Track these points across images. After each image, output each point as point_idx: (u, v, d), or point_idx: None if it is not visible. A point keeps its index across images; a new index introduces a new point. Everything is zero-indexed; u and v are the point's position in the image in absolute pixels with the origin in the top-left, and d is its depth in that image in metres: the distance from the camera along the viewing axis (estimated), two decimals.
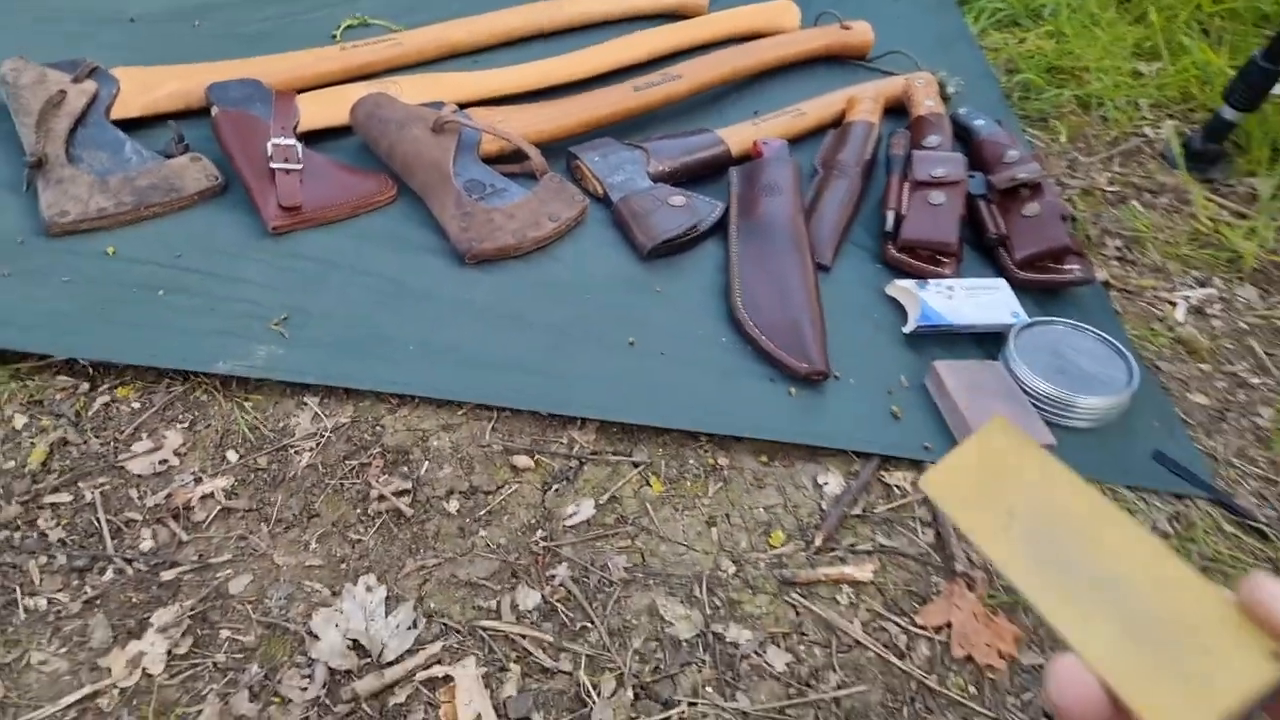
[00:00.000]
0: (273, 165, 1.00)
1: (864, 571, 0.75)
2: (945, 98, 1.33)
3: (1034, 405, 0.91)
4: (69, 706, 0.61)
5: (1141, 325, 1.06)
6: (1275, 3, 1.53)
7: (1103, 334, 0.98)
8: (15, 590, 0.65)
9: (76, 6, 1.23)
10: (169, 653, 0.63)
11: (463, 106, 1.15)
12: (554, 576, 0.72)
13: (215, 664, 0.64)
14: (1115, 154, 1.32)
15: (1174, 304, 1.10)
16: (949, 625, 0.72)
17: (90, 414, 0.78)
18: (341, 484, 0.76)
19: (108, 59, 1.09)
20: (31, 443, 0.75)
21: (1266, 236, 1.20)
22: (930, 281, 1.01)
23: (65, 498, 0.72)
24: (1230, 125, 1.30)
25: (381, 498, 0.75)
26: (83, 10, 1.22)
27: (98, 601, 0.66)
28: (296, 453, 0.78)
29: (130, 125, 1.05)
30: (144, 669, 0.63)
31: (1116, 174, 1.29)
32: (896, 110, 1.32)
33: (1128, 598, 0.31)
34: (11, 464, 0.73)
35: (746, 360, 0.94)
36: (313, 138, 1.09)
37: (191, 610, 0.66)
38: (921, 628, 0.72)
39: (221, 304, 0.88)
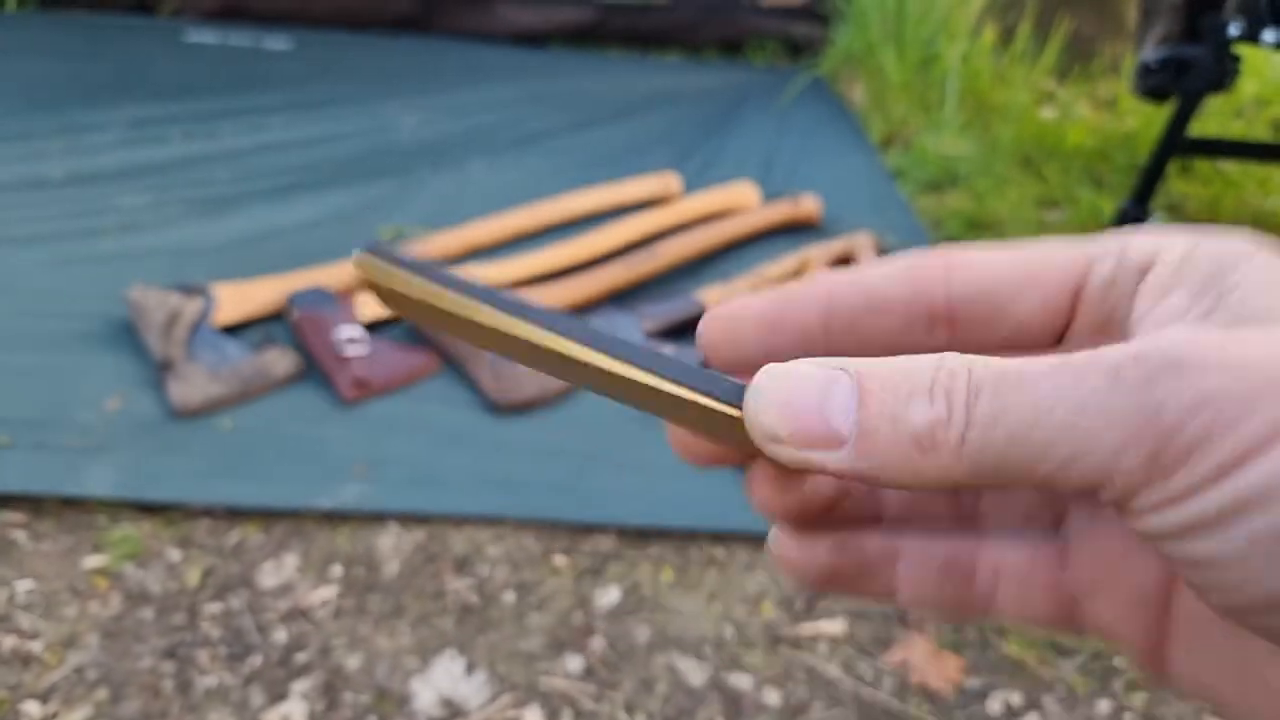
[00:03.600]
0: (345, 351, 1.34)
1: (837, 626, 1.01)
2: (883, 252, 1.71)
3: None
4: None
5: None
6: (1144, 159, 1.95)
7: None
8: (192, 673, 0.91)
9: (170, 243, 1.62)
10: (309, 712, 0.89)
11: None
12: (591, 644, 0.98)
13: (343, 718, 0.89)
14: None
15: None
16: (907, 661, 0.97)
17: (228, 547, 1.06)
18: (422, 586, 1.04)
19: (206, 281, 1.46)
20: (187, 569, 1.03)
21: None
22: None
23: (218, 607, 0.99)
24: None
25: (454, 593, 1.03)
26: (176, 246, 1.61)
27: (252, 677, 0.92)
28: (385, 564, 1.06)
29: (228, 330, 1.40)
30: None
31: None
32: (845, 263, 1.68)
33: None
34: (175, 585, 1.01)
35: (736, 471, 1.23)
36: (372, 328, 1.44)
37: (321, 681, 0.92)
38: (886, 664, 0.97)
39: (316, 459, 1.19)
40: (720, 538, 1.13)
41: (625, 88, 2.46)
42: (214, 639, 0.95)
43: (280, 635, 0.97)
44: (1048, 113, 2.18)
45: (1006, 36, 2.28)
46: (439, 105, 2.24)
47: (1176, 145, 1.53)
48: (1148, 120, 2.01)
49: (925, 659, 0.96)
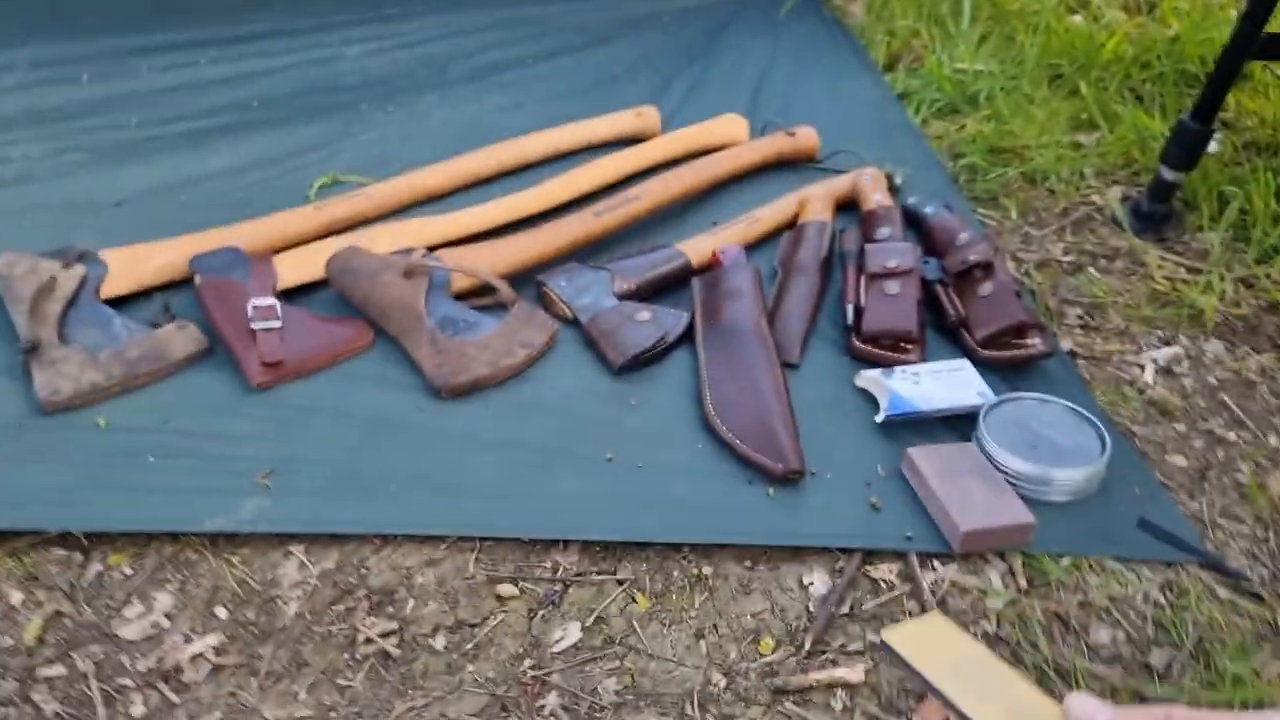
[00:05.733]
0: (253, 325, 1.07)
1: (856, 673, 0.76)
2: (894, 189, 1.42)
3: (1010, 482, 0.94)
4: None
5: (1112, 391, 1.10)
6: (1199, 64, 1.64)
7: (1072, 405, 1.02)
8: None
9: (64, 198, 1.33)
10: None
11: (434, 249, 1.24)
12: (544, 707, 0.74)
13: None
14: (1066, 224, 1.40)
15: (1142, 366, 1.14)
16: None
17: (84, 584, 0.82)
18: (329, 630, 0.79)
19: (98, 242, 1.18)
20: (27, 618, 0.78)
21: (1223, 290, 1.25)
22: (896, 369, 1.06)
23: (60, 670, 0.75)
24: (1173, 185, 1.38)
25: (368, 640, 0.78)
26: (70, 201, 1.33)
27: None
28: (284, 603, 0.81)
29: (120, 301, 1.13)
30: None
31: (1070, 243, 1.36)
32: (848, 207, 1.41)
33: (1007, 702, 0.59)
34: (9, 641, 0.77)
35: (723, 464, 0.98)
36: (293, 294, 1.17)
37: None
38: None
39: (209, 463, 0.93)
40: (707, 551, 0.88)
41: (593, 13, 2.11)
42: (48, 717, 0.71)
43: (136, 708, 0.72)
44: (1078, 18, 1.86)
45: None
46: (386, 34, 1.90)
47: (1253, 45, 1.23)
48: (1194, 24, 1.69)
49: None
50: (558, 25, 2.04)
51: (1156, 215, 1.40)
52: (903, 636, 0.64)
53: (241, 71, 1.73)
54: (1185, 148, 1.33)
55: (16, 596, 0.80)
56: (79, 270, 1.12)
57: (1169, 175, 1.36)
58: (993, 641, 0.80)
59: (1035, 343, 1.09)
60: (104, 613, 0.79)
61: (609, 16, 2.10)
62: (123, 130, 1.51)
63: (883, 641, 0.64)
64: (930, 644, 0.64)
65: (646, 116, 1.61)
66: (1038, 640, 0.80)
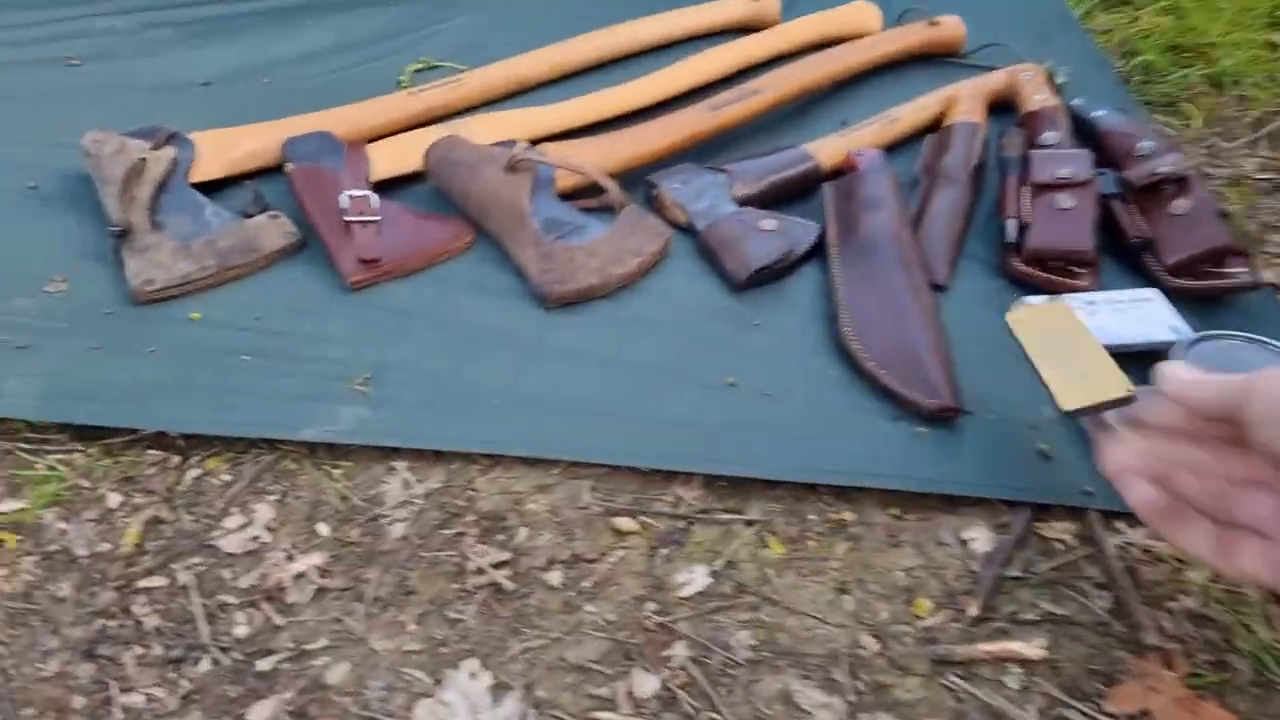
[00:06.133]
0: (348, 218, 0.98)
1: (1033, 648, 0.65)
2: (1056, 90, 1.23)
3: None
4: None
5: None
6: None
7: None
8: (111, 687, 0.63)
9: (151, 76, 1.25)
10: None
11: (536, 143, 1.12)
12: (671, 658, 0.66)
13: None
14: (1261, 136, 1.19)
15: None
16: (1146, 714, 0.62)
17: (182, 489, 0.76)
18: (437, 556, 0.72)
19: (184, 123, 1.10)
20: (125, 522, 0.73)
21: None
22: (1066, 296, 0.91)
23: (160, 581, 0.69)
24: None
25: (480, 570, 0.71)
26: (156, 79, 1.24)
27: (195, 697, 0.63)
28: (389, 523, 0.74)
29: (209, 187, 1.05)
30: None
31: (1266, 159, 1.16)
32: (1001, 109, 1.22)
33: (1078, 366, 0.73)
34: (107, 546, 0.72)
35: (862, 397, 0.86)
36: (387, 186, 1.07)
37: (289, 705, 0.63)
38: (1112, 716, 0.62)
39: (304, 365, 0.86)
40: (848, 495, 0.78)
41: None
42: (147, 631, 0.66)
43: (240, 628, 0.67)
44: None
45: None
46: None
47: None
48: None
49: (1174, 711, 0.61)
50: None
51: None
52: (1024, 316, 0.82)
53: None
54: None
55: (114, 499, 0.74)
56: (169, 152, 1.04)
57: None
58: (1197, 620, 0.68)
59: (1240, 271, 0.93)
60: (203, 522, 0.73)
61: None
62: (209, 4, 1.40)
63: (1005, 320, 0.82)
64: (1043, 322, 0.80)
65: (766, 2, 1.43)
66: (1252, 622, 0.67)
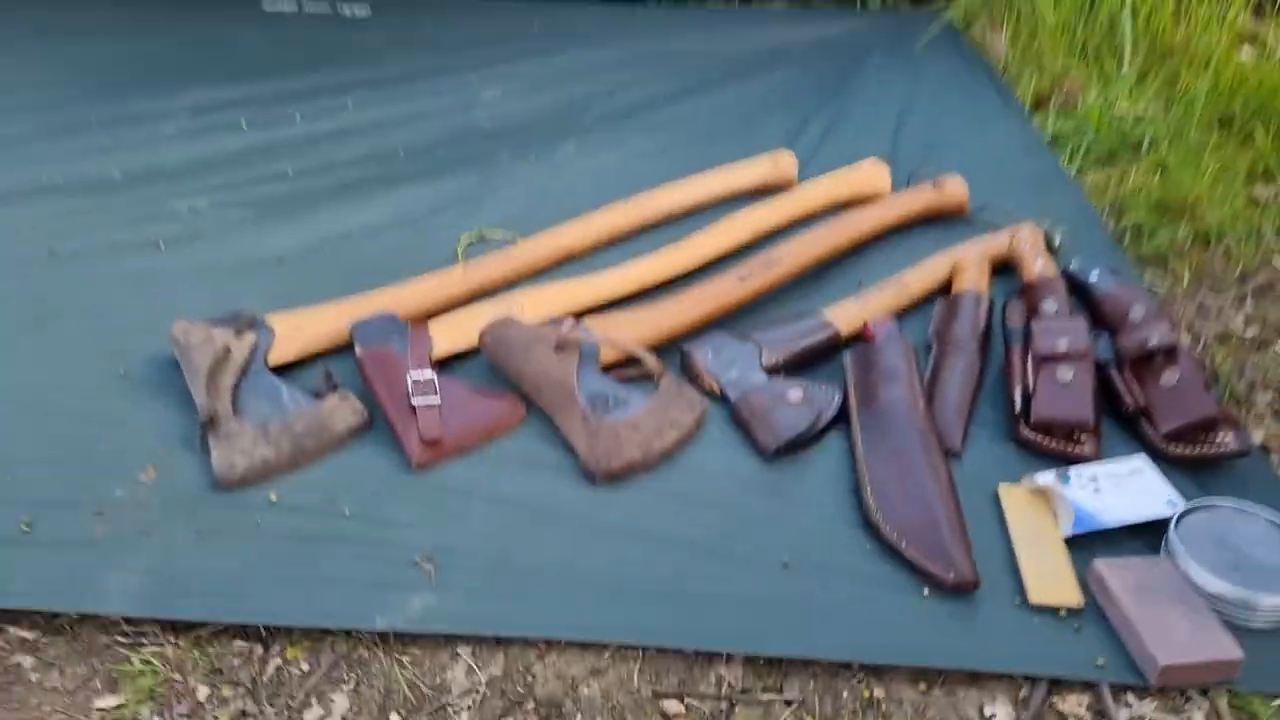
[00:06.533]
0: (414, 401, 1.07)
1: None
2: (1053, 250, 1.32)
3: (1211, 608, 0.85)
4: None
5: None
6: None
7: (1276, 514, 0.92)
8: None
9: (230, 255, 1.37)
10: None
11: (580, 316, 1.21)
12: None
13: None
14: (1247, 291, 1.27)
15: None
16: None
17: (265, 679, 0.82)
18: None
19: (262, 299, 1.21)
20: (215, 717, 0.79)
21: None
22: (1071, 473, 0.97)
23: None
24: None
25: None
26: (235, 257, 1.36)
27: None
28: (455, 712, 0.79)
29: (284, 366, 1.15)
30: None
31: (1252, 314, 1.23)
32: (1004, 269, 1.31)
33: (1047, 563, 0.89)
34: None
35: (890, 570, 0.91)
36: (446, 361, 1.16)
37: None
38: None
39: (374, 549, 0.93)
40: (878, 670, 0.83)
41: (729, 45, 2.05)
42: None
43: None
44: (1248, 54, 1.69)
45: None
46: (523, 75, 1.90)
47: None
48: None
49: None
50: (693, 58, 1.99)
51: None
52: (1013, 494, 0.98)
53: (386, 116, 1.75)
54: None
55: (203, 691, 0.81)
56: (250, 338, 1.14)
57: None
58: None
59: (1227, 440, 0.99)
60: (286, 714, 0.79)
61: (745, 48, 2.04)
62: (280, 181, 1.54)
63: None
64: (1028, 506, 0.96)
65: (783, 164, 1.54)
66: None
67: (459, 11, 2.24)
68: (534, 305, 1.23)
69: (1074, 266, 1.25)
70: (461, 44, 2.06)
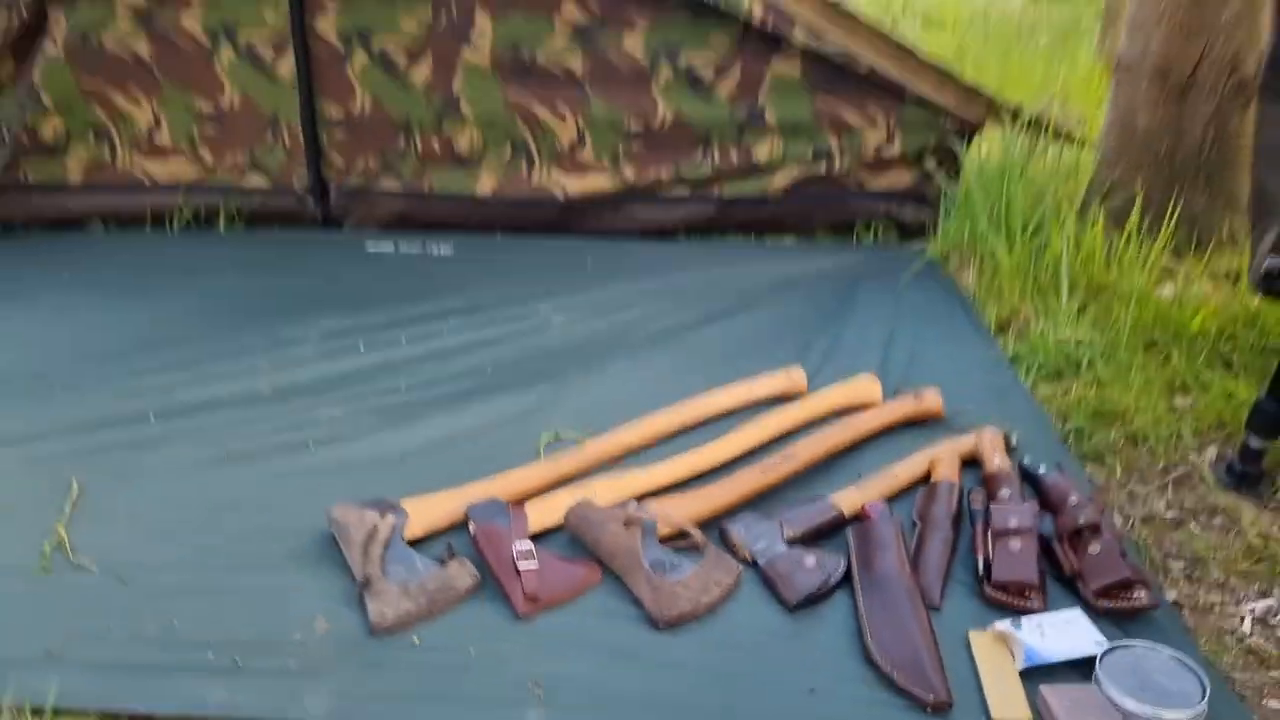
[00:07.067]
0: (518, 565, 1.43)
1: None
2: (1010, 448, 1.71)
3: None
4: None
5: (1213, 640, 1.30)
6: (1273, 341, 1.89)
7: (1177, 653, 1.23)
8: None
9: (365, 454, 1.78)
10: None
11: (641, 499, 1.59)
12: None
13: None
14: (1168, 481, 1.63)
15: (1241, 617, 1.33)
16: None
17: None
18: None
19: (395, 490, 1.60)
20: None
21: None
22: (1024, 621, 1.30)
23: None
24: (1260, 451, 1.60)
25: None
26: (369, 455, 1.78)
27: None
28: None
29: (416, 541, 1.53)
30: None
31: (1171, 500, 1.59)
32: (972, 463, 1.69)
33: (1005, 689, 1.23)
34: None
35: (886, 694, 1.23)
36: (540, 535, 1.53)
37: None
38: None
39: (495, 678, 1.26)
40: None
41: (746, 277, 2.58)
42: None
43: None
44: (1167, 291, 2.16)
45: (1117, 216, 2.29)
46: (583, 303, 2.40)
47: None
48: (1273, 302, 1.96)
49: None
50: (717, 289, 2.51)
51: (1249, 475, 1.61)
52: (979, 637, 1.30)
53: (476, 339, 2.23)
54: (1265, 422, 1.57)
55: None
56: (390, 519, 1.53)
57: (1255, 443, 1.59)
58: None
59: (1141, 596, 1.32)
60: None
61: (759, 280, 2.56)
62: (396, 394, 1.99)
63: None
64: (991, 647, 1.28)
65: (794, 377, 1.98)
66: None
67: (525, 249, 2.81)
68: (604, 491, 1.62)
69: (1026, 462, 1.64)
70: (530, 277, 2.60)
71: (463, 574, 1.45)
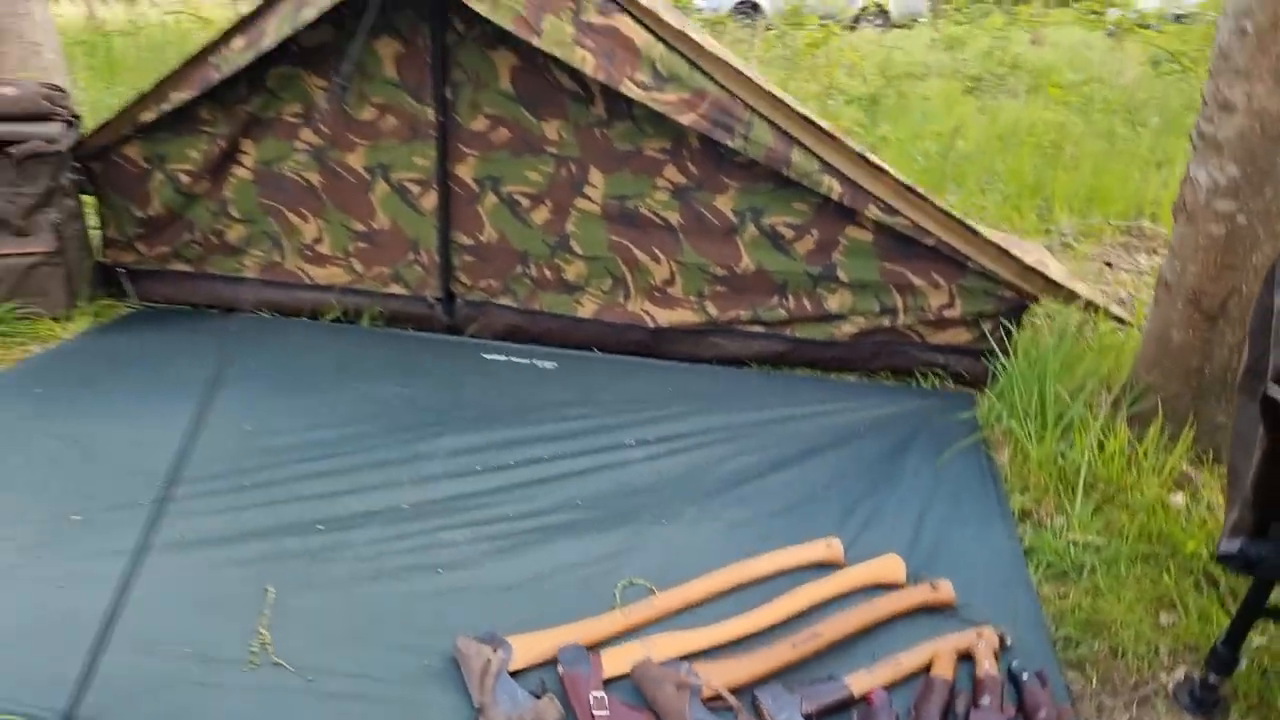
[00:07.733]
0: (594, 711, 1.92)
1: None
2: (1005, 646, 2.09)
3: None
4: None
5: None
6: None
7: None
8: None
9: (482, 582, 2.30)
10: None
11: (689, 656, 2.06)
12: None
13: None
14: (1135, 699, 1.99)
15: None
16: None
17: None
18: None
19: (502, 620, 2.11)
20: None
21: None
22: None
23: None
24: (1216, 684, 1.94)
25: None
26: (486, 581, 2.29)
27: None
28: None
29: (516, 672, 2.03)
30: None
31: (1135, 716, 1.95)
32: (968, 656, 2.09)
33: None
34: None
35: None
36: (608, 682, 2.01)
37: None
38: None
39: None
40: None
41: (810, 419, 3.00)
42: None
43: None
44: (1179, 499, 2.47)
45: (1144, 420, 2.62)
46: (659, 437, 2.88)
47: (1256, 613, 1.84)
48: None
49: None
50: (784, 434, 2.94)
51: (1206, 702, 1.96)
52: None
53: (569, 468, 2.73)
54: (1220, 665, 1.91)
55: None
56: (500, 655, 2.04)
57: (1212, 679, 1.93)
58: None
59: None
60: None
61: (822, 424, 2.99)
62: (505, 521, 2.50)
63: None
64: None
65: (834, 548, 2.41)
66: None
67: (615, 368, 3.31)
68: (664, 646, 2.10)
69: (1014, 666, 2.03)
70: (619, 403, 3.08)
71: (551, 710, 1.94)
